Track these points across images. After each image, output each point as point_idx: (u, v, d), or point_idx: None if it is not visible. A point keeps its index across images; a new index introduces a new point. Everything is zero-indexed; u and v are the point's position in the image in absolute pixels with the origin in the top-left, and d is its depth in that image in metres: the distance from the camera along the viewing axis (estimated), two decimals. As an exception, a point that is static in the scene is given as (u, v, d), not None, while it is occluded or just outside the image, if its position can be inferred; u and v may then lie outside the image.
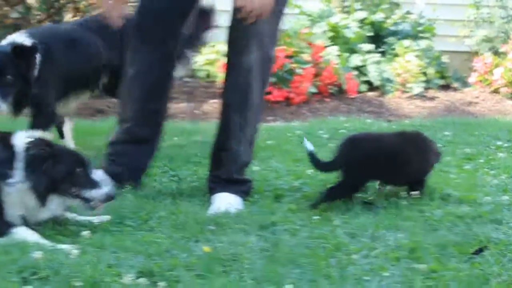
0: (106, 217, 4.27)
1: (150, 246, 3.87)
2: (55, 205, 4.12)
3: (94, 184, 4.15)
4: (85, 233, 4.03)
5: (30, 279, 3.44)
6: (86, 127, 6.78)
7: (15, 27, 7.98)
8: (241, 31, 4.67)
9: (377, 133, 5.72)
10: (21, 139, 4.11)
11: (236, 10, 4.60)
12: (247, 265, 3.69)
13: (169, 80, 5.02)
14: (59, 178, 4.07)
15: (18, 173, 4.02)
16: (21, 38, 5.25)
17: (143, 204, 4.55)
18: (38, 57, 5.20)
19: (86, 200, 4.12)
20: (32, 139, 4.11)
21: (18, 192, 4.00)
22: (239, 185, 4.87)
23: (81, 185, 4.12)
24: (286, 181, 5.25)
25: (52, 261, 3.55)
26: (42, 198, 4.05)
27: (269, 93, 8.00)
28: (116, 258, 3.68)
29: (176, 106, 8.14)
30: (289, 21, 8.64)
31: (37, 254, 3.59)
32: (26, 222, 4.03)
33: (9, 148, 4.07)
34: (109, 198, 4.15)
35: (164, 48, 4.88)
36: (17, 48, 5.08)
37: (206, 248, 3.81)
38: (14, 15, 8.15)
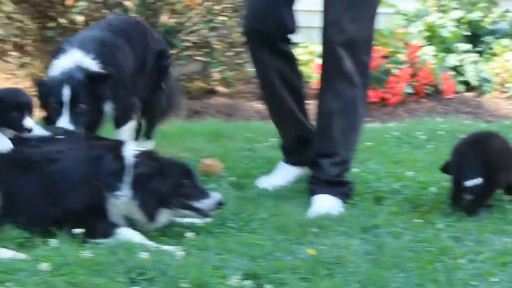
0: (208, 219, 4.28)
1: (253, 248, 3.87)
2: (164, 217, 4.16)
3: (203, 194, 4.17)
4: (189, 234, 4.05)
5: (138, 280, 3.48)
6: (182, 128, 6.83)
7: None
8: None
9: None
10: (130, 151, 4.17)
11: None
12: (351, 268, 3.67)
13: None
14: (167, 193, 4.10)
15: (126, 187, 4.07)
16: (87, 60, 4.94)
17: (245, 206, 4.56)
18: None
19: (197, 210, 4.14)
20: (140, 153, 4.16)
21: (125, 205, 4.06)
22: (340, 187, 4.84)
23: (190, 196, 4.14)
24: (386, 183, 5.18)
25: (158, 262, 3.58)
26: (150, 216, 4.09)
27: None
28: (221, 260, 3.70)
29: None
30: (384, 21, 8.55)
31: (144, 255, 3.63)
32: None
33: (119, 160, 4.13)
34: (219, 205, 4.17)
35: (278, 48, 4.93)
36: (92, 76, 4.90)
37: (310, 251, 3.79)
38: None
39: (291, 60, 5.09)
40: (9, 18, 8.22)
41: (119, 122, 5.24)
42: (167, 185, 4.09)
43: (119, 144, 4.27)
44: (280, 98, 5.05)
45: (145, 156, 4.16)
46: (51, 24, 8.17)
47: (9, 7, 8.17)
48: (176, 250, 3.78)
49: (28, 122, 4.19)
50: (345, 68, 4.73)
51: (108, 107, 5.02)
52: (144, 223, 4.10)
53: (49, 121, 4.88)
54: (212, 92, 8.57)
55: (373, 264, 3.73)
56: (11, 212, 4.01)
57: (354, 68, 4.75)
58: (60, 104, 4.79)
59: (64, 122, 4.74)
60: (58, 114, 4.79)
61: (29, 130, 4.20)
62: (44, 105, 4.93)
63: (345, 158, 4.87)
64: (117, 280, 3.45)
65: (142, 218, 4.09)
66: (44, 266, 3.50)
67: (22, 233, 3.93)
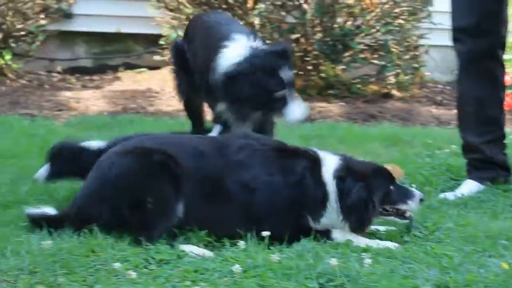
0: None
1: (442, 259, 3.78)
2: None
3: (407, 193, 4.11)
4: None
5: (327, 286, 3.48)
6: (359, 132, 6.80)
7: (290, 31, 8.22)
8: None
9: None
10: (330, 168, 4.03)
11: None
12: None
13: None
14: (378, 208, 4.02)
15: (333, 212, 4.01)
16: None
17: (429, 214, 4.47)
18: None
19: (401, 213, 4.10)
20: (340, 169, 4.02)
21: (332, 223, 4.03)
22: None
23: (396, 201, 4.10)
24: None
25: (347, 269, 3.56)
26: (359, 231, 4.04)
27: None
28: (410, 269, 3.64)
29: (448, 113, 8.00)
30: None
31: (332, 261, 3.61)
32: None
33: (321, 184, 4.00)
34: (421, 201, 4.12)
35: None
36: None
37: (505, 265, 3.67)
38: (290, 19, 8.34)
39: None
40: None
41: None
42: (377, 200, 3.99)
43: (314, 160, 4.07)
44: None
45: (346, 173, 4.01)
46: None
47: (189, 9, 8.38)
48: (364, 257, 3.74)
49: None
50: None
51: None
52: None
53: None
54: (388, 96, 8.50)
55: None
56: (195, 222, 4.01)
57: None
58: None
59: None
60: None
61: None
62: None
63: None
64: (307, 285, 3.46)
65: (351, 233, 4.03)
66: (236, 267, 3.55)
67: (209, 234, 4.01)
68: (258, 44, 4.80)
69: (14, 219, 4.14)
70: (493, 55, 5.07)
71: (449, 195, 4.95)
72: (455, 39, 5.09)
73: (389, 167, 5.28)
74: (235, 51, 4.73)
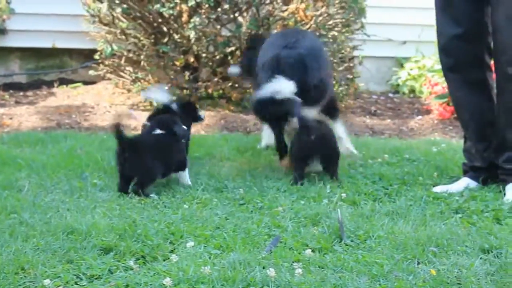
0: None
1: (373, 267, 3.83)
2: None
3: None
4: (307, 251, 4.04)
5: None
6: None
7: (226, 44, 8.25)
8: None
9: None
10: None
11: None
12: (475, 289, 3.60)
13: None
14: None
15: None
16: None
17: (360, 223, 4.53)
18: None
19: None
20: None
21: None
22: None
23: None
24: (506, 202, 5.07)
25: (279, 279, 3.58)
26: None
27: None
28: (341, 278, 3.67)
29: (382, 123, 8.10)
30: None
31: (264, 272, 3.63)
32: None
33: None
34: None
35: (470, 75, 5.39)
36: None
37: (433, 271, 3.73)
38: (225, 32, 8.36)
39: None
40: (124, 34, 8.42)
41: None
42: None
43: None
44: None
45: None
46: (165, 40, 8.34)
47: (124, 23, 8.36)
48: (295, 267, 3.77)
49: None
50: None
51: None
52: None
53: None
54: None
55: (496, 285, 3.65)
56: None
57: None
58: None
59: None
60: None
61: None
62: None
63: None
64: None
65: None
66: (167, 280, 3.54)
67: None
68: None
69: None
70: (482, 61, 5.37)
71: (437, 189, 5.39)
72: (443, 49, 5.39)
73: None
74: None
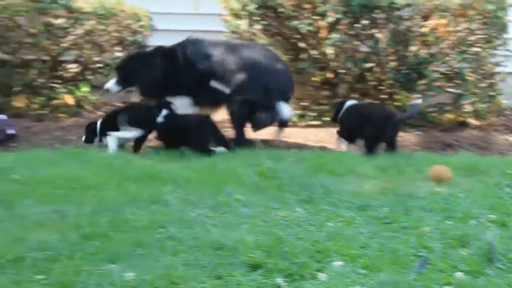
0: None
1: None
2: None
3: None
4: (458, 274, 3.94)
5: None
6: (436, 161, 6.70)
7: (364, 61, 8.21)
8: None
9: None
10: None
11: None
12: None
13: None
14: None
15: None
16: None
17: (511, 246, 4.38)
18: None
19: None
20: None
21: None
22: None
23: None
24: None
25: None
26: None
27: None
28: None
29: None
30: None
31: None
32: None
33: None
34: None
35: None
36: None
37: None
38: (363, 48, 8.33)
39: None
40: (263, 50, 8.48)
41: None
42: None
43: None
44: None
45: None
46: (303, 56, 8.37)
47: (263, 40, 8.43)
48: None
49: None
50: None
51: None
52: None
53: None
54: (464, 124, 8.37)
55: None
56: None
57: None
58: None
59: None
60: None
61: None
62: None
63: None
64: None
65: None
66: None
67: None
68: None
69: (95, 251, 4.18)
70: None
71: None
72: None
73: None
74: None
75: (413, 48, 8.23)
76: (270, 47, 8.45)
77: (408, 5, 8.05)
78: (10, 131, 7.74)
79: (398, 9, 8.03)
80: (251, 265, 4.02)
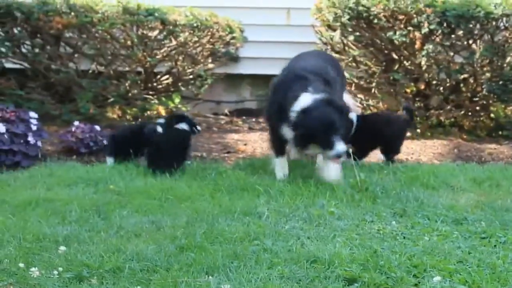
0: None
1: None
2: None
3: None
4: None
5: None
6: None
7: (458, 72, 8.09)
8: None
9: None
10: None
11: None
12: None
13: None
14: None
15: None
16: None
17: None
18: None
19: None
20: None
21: None
22: None
23: None
24: None
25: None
26: None
27: None
28: None
29: None
30: None
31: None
32: None
33: None
34: None
35: None
36: None
37: None
38: (457, 59, 8.22)
39: None
40: (355, 61, 8.45)
41: None
42: None
43: None
44: None
45: None
46: (395, 67, 8.30)
47: (355, 51, 8.40)
48: None
49: None
50: None
51: None
52: None
53: None
54: None
55: None
56: None
57: None
58: None
59: None
60: None
61: None
62: None
63: None
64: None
65: None
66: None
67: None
68: None
69: (191, 262, 4.21)
70: None
71: None
72: None
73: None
74: None
75: (509, 59, 8.09)
76: (362, 58, 8.42)
77: (507, 15, 7.89)
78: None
79: (495, 19, 7.89)
80: (347, 279, 3.99)
